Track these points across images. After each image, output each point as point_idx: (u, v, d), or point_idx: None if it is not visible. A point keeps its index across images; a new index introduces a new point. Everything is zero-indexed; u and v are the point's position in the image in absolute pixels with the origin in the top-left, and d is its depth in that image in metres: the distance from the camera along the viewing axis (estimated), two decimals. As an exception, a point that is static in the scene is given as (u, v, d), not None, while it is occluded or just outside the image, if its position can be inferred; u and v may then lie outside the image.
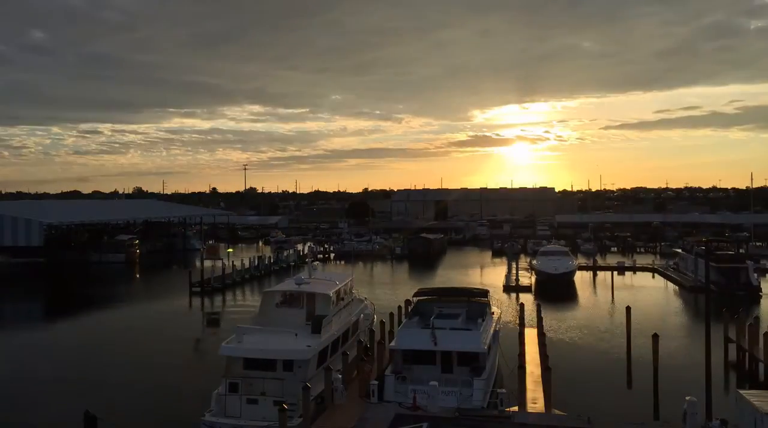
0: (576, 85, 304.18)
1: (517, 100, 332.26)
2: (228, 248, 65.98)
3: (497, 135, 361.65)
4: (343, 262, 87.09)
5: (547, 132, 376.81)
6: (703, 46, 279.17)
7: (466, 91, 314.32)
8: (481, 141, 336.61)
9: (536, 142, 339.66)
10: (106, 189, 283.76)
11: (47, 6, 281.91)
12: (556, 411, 23.75)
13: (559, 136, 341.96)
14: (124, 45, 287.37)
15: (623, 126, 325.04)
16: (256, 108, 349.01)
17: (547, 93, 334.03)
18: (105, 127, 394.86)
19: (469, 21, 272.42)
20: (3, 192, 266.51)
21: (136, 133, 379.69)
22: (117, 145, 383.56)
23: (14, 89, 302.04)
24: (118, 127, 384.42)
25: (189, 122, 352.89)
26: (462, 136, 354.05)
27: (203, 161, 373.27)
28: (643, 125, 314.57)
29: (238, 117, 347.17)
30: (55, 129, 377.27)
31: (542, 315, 38.88)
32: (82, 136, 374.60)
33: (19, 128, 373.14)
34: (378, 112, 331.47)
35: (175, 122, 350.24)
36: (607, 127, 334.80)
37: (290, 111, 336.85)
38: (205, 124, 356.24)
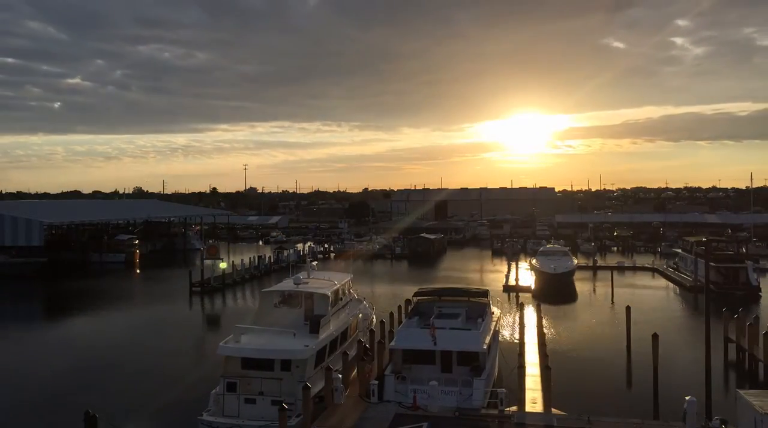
0: (551, 105, 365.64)
1: (499, 116, 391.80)
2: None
3: (487, 142, 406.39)
4: (343, 262, 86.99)
5: (535, 140, 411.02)
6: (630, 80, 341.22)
7: (458, 110, 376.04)
8: (474, 148, 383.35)
9: (528, 147, 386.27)
10: (107, 189, 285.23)
11: (143, 59, 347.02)
12: (556, 411, 23.71)
13: (549, 143, 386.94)
14: (187, 81, 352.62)
15: (595, 134, 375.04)
16: (285, 124, 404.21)
17: (526, 111, 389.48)
18: (143, 138, 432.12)
19: (459, 66, 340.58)
20: (3, 192, 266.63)
21: (169, 142, 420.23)
22: (139, 153, 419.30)
23: (77, 111, 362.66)
24: (153, 137, 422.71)
25: (213, 134, 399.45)
26: (457, 142, 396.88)
27: (218, 165, 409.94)
28: (615, 134, 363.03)
29: (265, 131, 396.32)
30: (101, 139, 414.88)
31: (542, 314, 38.87)
32: (117, 146, 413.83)
33: (68, 137, 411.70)
34: (381, 125, 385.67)
35: (206, 135, 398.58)
36: (586, 136, 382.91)
37: (308, 125, 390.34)
38: (229, 135, 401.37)
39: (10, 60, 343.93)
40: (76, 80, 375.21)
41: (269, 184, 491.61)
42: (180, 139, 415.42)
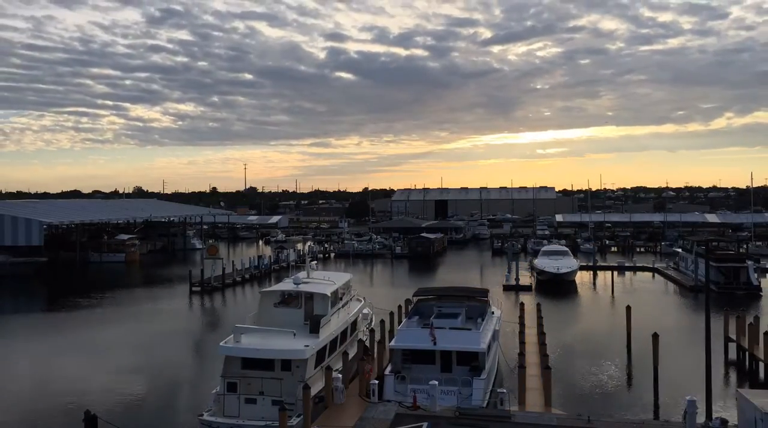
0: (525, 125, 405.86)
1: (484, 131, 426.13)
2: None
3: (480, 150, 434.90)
4: (343, 263, 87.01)
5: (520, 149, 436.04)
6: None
7: (453, 127, 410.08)
8: (468, 154, 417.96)
9: (522, 156, 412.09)
10: (107, 189, 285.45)
11: (217, 102, 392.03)
12: (556, 411, 23.70)
13: (539, 152, 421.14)
14: (236, 113, 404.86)
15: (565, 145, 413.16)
16: (309, 140, 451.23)
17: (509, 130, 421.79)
18: (182, 149, 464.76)
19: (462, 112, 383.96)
20: (3, 191, 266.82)
21: (196, 151, 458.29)
22: (165, 161, 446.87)
23: (134, 130, 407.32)
24: (189, 149, 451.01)
25: (237, 147, 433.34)
26: (453, 148, 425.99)
27: (220, 166, 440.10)
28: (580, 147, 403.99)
29: (287, 143, 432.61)
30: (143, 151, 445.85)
31: (542, 314, 38.84)
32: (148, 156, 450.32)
33: (112, 147, 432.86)
34: (385, 137, 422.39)
35: (235, 149, 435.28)
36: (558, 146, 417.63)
37: (326, 139, 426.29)
38: (254, 148, 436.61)
39: (124, 103, 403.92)
40: (155, 114, 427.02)
41: (269, 184, 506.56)
42: (206, 151, 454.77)
